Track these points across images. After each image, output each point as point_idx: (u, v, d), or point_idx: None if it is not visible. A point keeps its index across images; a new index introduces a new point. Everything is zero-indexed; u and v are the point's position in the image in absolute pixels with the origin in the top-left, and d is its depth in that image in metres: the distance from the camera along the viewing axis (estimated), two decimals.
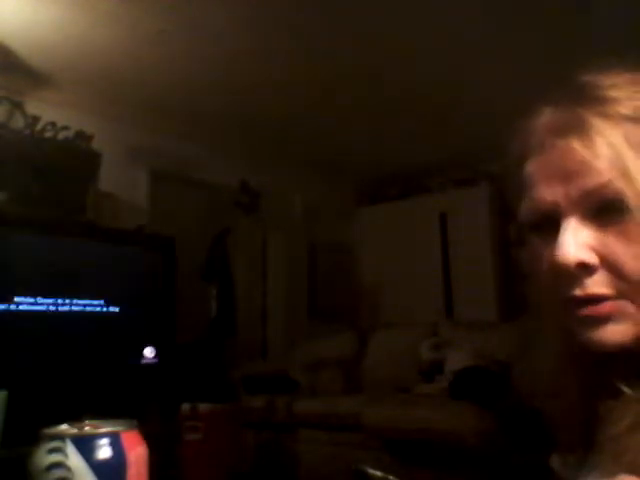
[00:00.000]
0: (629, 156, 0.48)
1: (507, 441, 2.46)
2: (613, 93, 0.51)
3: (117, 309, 2.81)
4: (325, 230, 4.82)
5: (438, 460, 2.64)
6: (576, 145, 0.50)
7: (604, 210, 0.50)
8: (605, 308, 0.50)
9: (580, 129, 0.50)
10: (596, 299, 0.50)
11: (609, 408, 0.49)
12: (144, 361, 2.88)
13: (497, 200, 4.44)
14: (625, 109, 0.50)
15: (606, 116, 0.50)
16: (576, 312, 0.52)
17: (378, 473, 0.66)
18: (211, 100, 3.40)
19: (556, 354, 0.60)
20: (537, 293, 0.59)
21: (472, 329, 3.61)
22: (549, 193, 0.52)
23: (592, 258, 0.50)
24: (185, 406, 0.95)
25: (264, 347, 4.37)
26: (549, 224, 0.53)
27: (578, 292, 0.51)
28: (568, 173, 0.51)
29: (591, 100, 0.51)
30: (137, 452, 0.50)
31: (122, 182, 3.51)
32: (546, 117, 0.54)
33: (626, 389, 0.49)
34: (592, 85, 0.53)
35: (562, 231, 0.51)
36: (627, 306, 0.50)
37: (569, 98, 0.53)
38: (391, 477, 0.65)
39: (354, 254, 5.02)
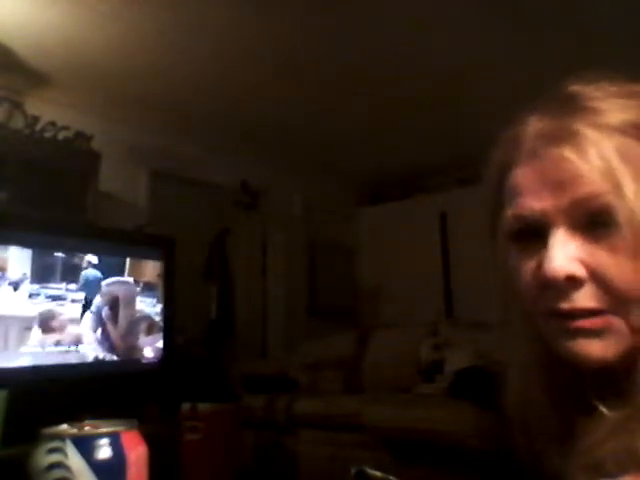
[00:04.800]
0: (621, 170, 0.47)
1: (507, 441, 2.46)
2: (600, 104, 0.51)
3: None
4: (325, 230, 4.82)
5: (438, 460, 2.64)
6: (569, 154, 0.49)
7: (593, 222, 0.49)
8: (597, 322, 0.49)
9: (573, 138, 0.49)
10: (583, 313, 0.49)
11: (584, 424, 0.48)
12: (144, 361, 2.88)
13: None
14: (614, 121, 0.50)
15: (597, 127, 0.49)
16: (561, 324, 0.50)
17: (378, 473, 0.66)
18: (211, 100, 3.40)
19: (524, 366, 0.58)
20: (510, 304, 0.57)
21: (472, 329, 3.60)
22: (537, 202, 0.51)
23: (581, 271, 0.49)
24: (185, 406, 0.95)
25: (264, 347, 4.37)
26: (533, 234, 0.51)
27: (565, 305, 0.49)
28: (559, 182, 0.49)
29: (580, 110, 0.51)
30: (137, 452, 0.50)
31: (122, 182, 3.51)
32: (535, 125, 0.53)
33: (602, 408, 0.48)
34: (579, 95, 0.52)
35: (550, 242, 0.49)
36: (614, 321, 0.49)
37: (557, 107, 0.52)
38: (391, 477, 0.65)
39: (354, 254, 5.02)
